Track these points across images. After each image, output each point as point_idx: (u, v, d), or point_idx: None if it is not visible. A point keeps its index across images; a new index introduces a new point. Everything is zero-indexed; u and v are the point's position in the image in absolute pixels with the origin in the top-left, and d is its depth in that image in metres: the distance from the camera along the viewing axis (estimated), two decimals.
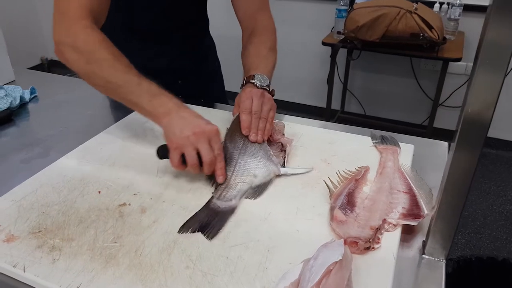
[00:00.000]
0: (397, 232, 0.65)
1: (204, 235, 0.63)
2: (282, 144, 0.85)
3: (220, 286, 0.55)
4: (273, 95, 0.90)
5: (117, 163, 0.81)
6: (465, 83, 2.61)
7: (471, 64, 2.50)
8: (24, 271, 0.57)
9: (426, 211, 0.68)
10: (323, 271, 0.52)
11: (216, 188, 0.73)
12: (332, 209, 0.68)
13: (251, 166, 0.77)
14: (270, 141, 0.85)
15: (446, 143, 0.94)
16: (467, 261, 1.18)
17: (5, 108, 1.00)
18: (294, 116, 1.00)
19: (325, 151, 0.86)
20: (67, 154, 0.83)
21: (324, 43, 2.43)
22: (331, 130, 0.94)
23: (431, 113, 2.44)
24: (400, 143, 0.88)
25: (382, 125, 2.86)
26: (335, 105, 2.84)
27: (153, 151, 0.85)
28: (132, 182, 0.75)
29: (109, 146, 0.87)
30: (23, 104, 1.08)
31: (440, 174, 0.83)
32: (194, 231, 0.64)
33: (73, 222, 0.66)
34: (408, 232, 0.67)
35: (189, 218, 0.67)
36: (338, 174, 0.77)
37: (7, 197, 0.71)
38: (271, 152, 0.80)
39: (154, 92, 0.74)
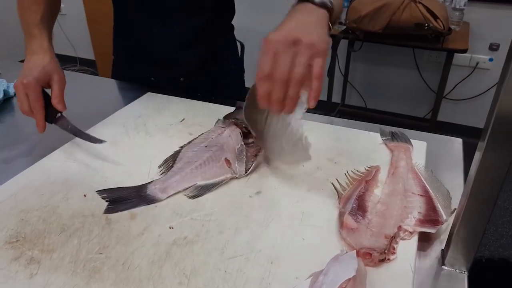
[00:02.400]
0: (414, 240, 0.59)
1: (107, 206, 0.63)
2: (259, 147, 0.76)
3: None
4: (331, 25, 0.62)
5: (105, 163, 0.74)
6: (469, 75, 2.55)
7: (476, 55, 2.46)
8: None
9: (444, 217, 0.62)
10: None
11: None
12: (341, 214, 0.62)
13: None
14: (249, 139, 0.78)
15: (460, 140, 0.87)
16: (477, 262, 1.13)
17: None
18: None
19: (331, 149, 0.79)
20: (52, 153, 0.77)
21: None
22: (336, 126, 0.88)
23: (434, 106, 2.38)
24: (411, 140, 0.82)
25: (384, 118, 2.80)
26: (336, 98, 2.77)
27: (145, 150, 0.79)
28: (121, 184, 0.69)
29: (97, 144, 0.79)
30: (7, 99, 1.01)
31: (457, 174, 0.78)
32: (103, 198, 0.65)
33: (55, 230, 0.59)
34: (424, 240, 0.61)
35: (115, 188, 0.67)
36: (347, 175, 0.71)
37: None
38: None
39: (33, 34, 0.81)
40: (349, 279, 0.47)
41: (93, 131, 0.82)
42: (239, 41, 1.20)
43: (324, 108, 2.69)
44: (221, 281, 0.51)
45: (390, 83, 2.79)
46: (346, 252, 0.53)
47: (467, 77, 2.55)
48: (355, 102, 2.94)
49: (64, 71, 0.89)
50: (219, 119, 0.84)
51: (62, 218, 0.61)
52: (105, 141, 0.75)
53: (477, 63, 2.50)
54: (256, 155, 0.74)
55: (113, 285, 0.51)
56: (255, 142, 0.77)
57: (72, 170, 0.72)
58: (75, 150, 0.78)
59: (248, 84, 1.19)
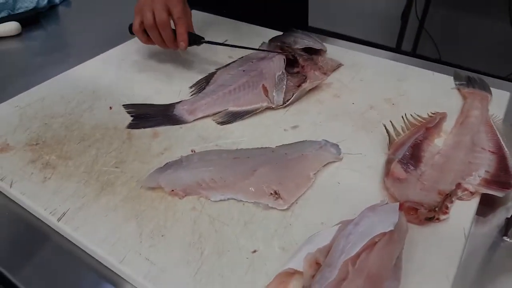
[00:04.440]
0: (474, 202, 0.49)
1: (132, 121, 0.59)
2: (305, 78, 0.66)
3: (230, 238, 0.43)
4: None
5: (136, 77, 0.69)
6: None
7: None
8: (11, 187, 0.49)
9: None
10: (365, 243, 0.38)
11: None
12: (389, 161, 0.52)
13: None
14: (295, 69, 0.69)
15: None
16: None
17: (31, 7, 0.90)
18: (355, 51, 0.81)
19: (391, 88, 0.68)
20: (84, 63, 0.73)
21: None
22: (403, 64, 0.75)
23: None
24: (491, 89, 0.68)
25: None
26: (406, 45, 2.52)
27: (179, 68, 0.72)
28: (149, 100, 0.64)
29: (132, 57, 0.75)
30: (53, 6, 0.98)
31: None
32: (129, 113, 0.61)
33: (75, 138, 0.56)
34: (487, 204, 0.50)
35: (141, 104, 0.63)
36: (404, 118, 0.60)
37: (12, 102, 0.62)
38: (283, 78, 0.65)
39: None
40: (384, 233, 0.39)
41: (129, 45, 0.77)
42: None
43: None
44: (237, 213, 0.46)
45: (474, 35, 2.46)
46: (387, 203, 0.45)
47: None
48: (428, 53, 2.65)
49: None
50: (263, 42, 0.75)
51: (84, 127, 0.58)
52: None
53: None
54: (299, 86, 0.64)
55: (123, 201, 0.47)
56: (301, 72, 0.68)
57: (102, 81, 0.68)
58: (109, 61, 0.74)
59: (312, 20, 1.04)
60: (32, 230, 0.46)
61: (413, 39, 2.59)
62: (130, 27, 0.68)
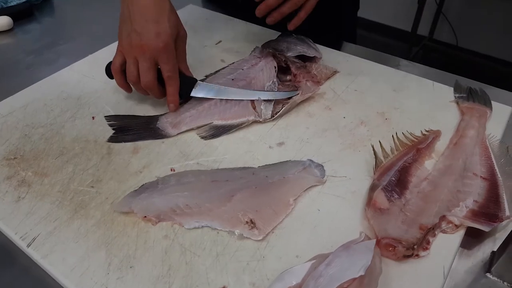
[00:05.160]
0: (457, 236, 0.47)
1: (113, 134, 0.58)
2: (296, 88, 0.63)
3: (199, 272, 0.42)
4: None
5: None
6: None
7: None
8: None
9: (507, 212, 0.48)
10: None
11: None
12: (373, 188, 0.50)
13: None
14: (287, 76, 0.66)
15: None
16: None
17: (24, 0, 0.88)
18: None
19: (386, 100, 0.65)
20: (72, 64, 0.71)
21: None
22: (401, 72, 0.71)
23: None
24: (493, 103, 0.64)
25: (474, 61, 2.44)
26: (423, 30, 2.43)
27: None
28: (133, 110, 0.62)
29: None
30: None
31: None
32: (110, 125, 0.59)
33: (54, 152, 0.55)
34: (473, 235, 0.48)
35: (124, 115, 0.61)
36: (395, 137, 0.58)
37: None
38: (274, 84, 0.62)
39: None
40: (354, 279, 0.37)
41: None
42: None
43: (407, 40, 2.38)
44: (209, 244, 0.45)
45: (494, 20, 2.35)
46: (363, 240, 0.43)
47: None
48: (445, 38, 2.55)
49: None
50: (256, 47, 0.72)
51: (64, 139, 0.57)
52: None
53: None
54: (289, 98, 0.62)
55: (95, 225, 0.46)
56: (293, 80, 0.65)
57: (88, 86, 0.67)
58: (96, 64, 0.72)
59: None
60: (2, 249, 0.46)
61: (430, 23, 2.50)
62: (108, 67, 0.61)
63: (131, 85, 0.60)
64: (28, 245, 0.44)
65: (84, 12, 0.93)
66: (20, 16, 0.87)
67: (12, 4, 0.88)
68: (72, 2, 0.97)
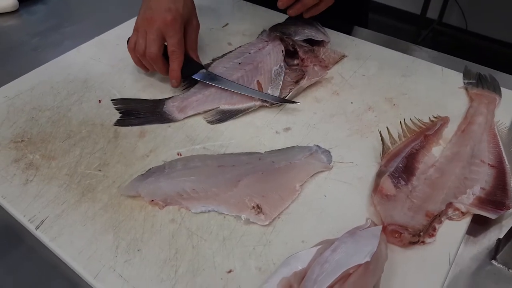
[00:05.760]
0: (464, 223, 0.46)
1: (119, 117, 0.58)
2: (303, 73, 0.63)
3: (206, 255, 0.43)
4: None
5: (129, 67, 0.67)
6: None
7: None
8: None
9: None
10: (338, 275, 0.37)
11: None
12: (380, 174, 0.50)
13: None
14: (294, 60, 0.65)
15: None
16: None
17: None
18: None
19: (394, 85, 0.64)
20: (79, 46, 0.71)
21: None
22: (410, 57, 0.70)
23: None
24: (502, 89, 0.63)
25: (484, 46, 2.39)
26: (432, 13, 2.38)
27: None
28: (140, 93, 0.62)
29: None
30: None
31: None
32: (117, 109, 0.59)
33: (61, 135, 0.55)
34: (479, 222, 0.48)
35: (130, 99, 0.60)
36: (403, 123, 0.57)
37: (1, 92, 0.62)
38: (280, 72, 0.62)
39: None
40: (359, 265, 0.38)
41: (126, 27, 0.74)
42: None
43: (415, 23, 2.34)
44: (216, 228, 0.45)
45: (504, 4, 2.30)
46: (369, 226, 0.43)
47: None
48: (454, 22, 2.50)
49: None
50: (264, 30, 0.71)
51: (71, 122, 0.57)
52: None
53: None
54: (297, 82, 0.61)
55: (102, 209, 0.47)
56: (300, 65, 0.64)
57: (94, 69, 0.66)
58: (103, 46, 0.71)
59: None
60: (10, 230, 0.46)
61: (439, 7, 2.45)
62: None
63: (141, 60, 0.61)
64: (37, 228, 0.45)
65: None
66: None
67: None
68: None
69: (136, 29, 0.60)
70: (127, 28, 0.75)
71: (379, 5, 2.62)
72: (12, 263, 0.44)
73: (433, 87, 0.64)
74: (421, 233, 0.44)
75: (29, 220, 0.45)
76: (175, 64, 0.59)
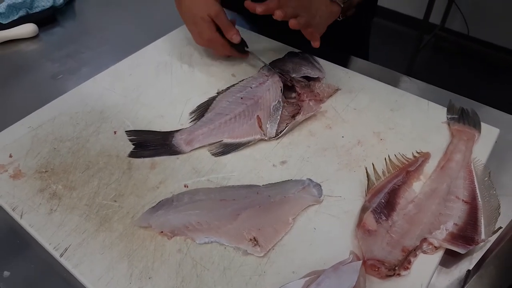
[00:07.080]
0: (436, 257, 0.53)
1: (133, 149, 0.64)
2: (299, 107, 0.69)
3: (208, 283, 0.49)
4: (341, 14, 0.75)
5: (142, 97, 0.73)
6: None
7: None
8: (21, 218, 0.55)
9: (483, 236, 0.54)
10: None
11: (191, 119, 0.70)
12: (363, 209, 0.56)
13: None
14: (292, 94, 0.71)
15: None
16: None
17: (48, 6, 0.93)
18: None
19: (382, 120, 0.70)
20: (95, 76, 0.77)
21: None
22: (400, 91, 0.76)
23: None
24: (482, 124, 0.69)
25: (485, 52, 2.43)
26: (435, 18, 2.41)
27: (182, 88, 0.75)
28: (151, 125, 0.68)
29: (140, 72, 0.78)
30: (70, 1, 1.00)
31: None
32: (130, 140, 0.66)
33: (81, 166, 0.62)
34: (451, 254, 0.55)
35: (142, 131, 0.67)
36: (387, 159, 0.63)
37: (25, 122, 0.68)
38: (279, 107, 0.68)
39: None
40: None
41: (137, 57, 0.81)
42: None
43: (418, 28, 2.37)
44: (218, 259, 0.51)
45: (506, 10, 2.33)
46: (351, 260, 0.49)
47: None
48: (456, 27, 2.54)
49: None
50: (264, 65, 0.76)
51: (89, 153, 0.63)
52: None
53: None
54: (293, 117, 0.67)
55: (118, 238, 0.53)
56: (297, 99, 0.70)
57: (109, 100, 0.72)
58: (117, 76, 0.77)
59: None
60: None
61: (442, 12, 2.48)
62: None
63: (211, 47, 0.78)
64: (61, 255, 0.51)
65: (104, 14, 0.98)
66: (44, 22, 0.92)
67: (37, 10, 0.92)
68: (92, 4, 1.01)
69: (188, 29, 0.76)
70: (139, 57, 0.81)
71: (383, 10, 2.66)
72: (14, 265, 0.50)
73: (418, 122, 0.70)
74: (397, 268, 0.50)
75: (54, 248, 0.52)
76: (234, 31, 0.74)
